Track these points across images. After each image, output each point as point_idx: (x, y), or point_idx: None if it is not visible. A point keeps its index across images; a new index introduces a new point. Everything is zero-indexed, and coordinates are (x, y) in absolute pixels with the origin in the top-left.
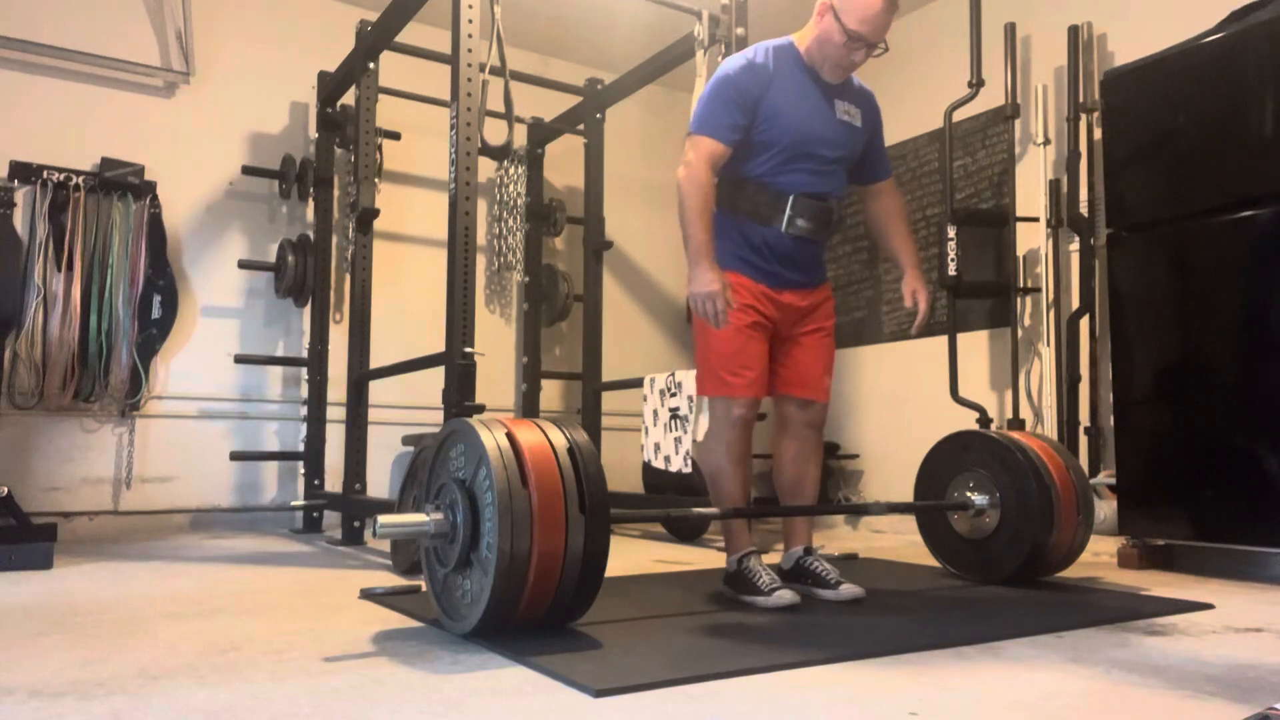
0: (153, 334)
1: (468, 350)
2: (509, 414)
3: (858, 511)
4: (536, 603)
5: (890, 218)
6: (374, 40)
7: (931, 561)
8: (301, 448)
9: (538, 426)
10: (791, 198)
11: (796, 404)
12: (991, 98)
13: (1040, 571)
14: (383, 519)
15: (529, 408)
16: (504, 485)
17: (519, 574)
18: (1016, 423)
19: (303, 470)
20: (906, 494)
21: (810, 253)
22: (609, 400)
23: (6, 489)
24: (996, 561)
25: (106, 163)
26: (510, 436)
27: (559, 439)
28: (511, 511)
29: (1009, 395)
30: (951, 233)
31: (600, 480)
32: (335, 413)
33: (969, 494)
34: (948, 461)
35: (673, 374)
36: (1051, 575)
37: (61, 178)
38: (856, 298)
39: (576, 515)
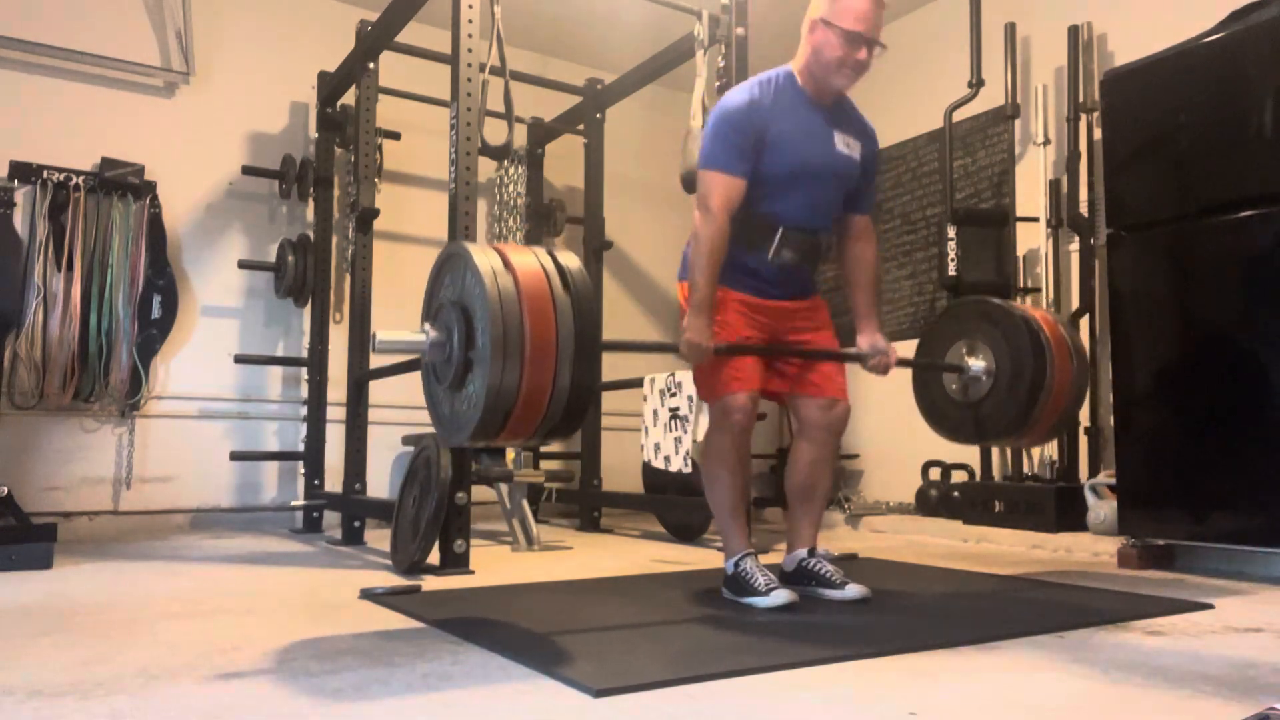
0: (153, 334)
1: None
2: None
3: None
4: (532, 403)
5: (861, 268)
6: (374, 40)
7: (932, 561)
8: (301, 448)
9: (530, 250)
10: (781, 230)
11: (814, 405)
12: (991, 98)
13: (1026, 438)
14: (382, 333)
15: None
16: (491, 280)
17: (513, 370)
18: None
19: (303, 470)
20: (907, 494)
21: (799, 276)
22: (609, 400)
23: (6, 489)
24: (984, 425)
25: (106, 163)
26: (500, 252)
27: (547, 260)
28: (503, 313)
29: None
30: (951, 233)
31: (586, 286)
32: (335, 413)
33: (965, 359)
34: (949, 328)
35: (672, 374)
36: (1038, 444)
37: (61, 178)
38: None
39: (561, 292)
